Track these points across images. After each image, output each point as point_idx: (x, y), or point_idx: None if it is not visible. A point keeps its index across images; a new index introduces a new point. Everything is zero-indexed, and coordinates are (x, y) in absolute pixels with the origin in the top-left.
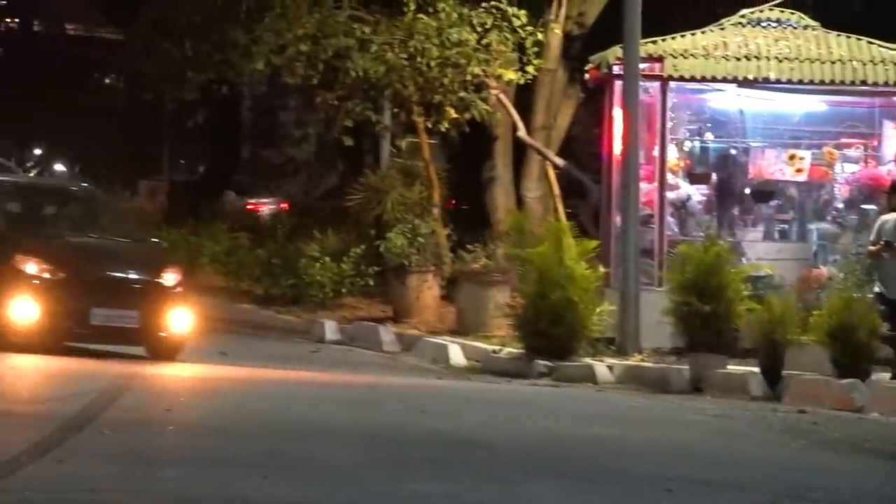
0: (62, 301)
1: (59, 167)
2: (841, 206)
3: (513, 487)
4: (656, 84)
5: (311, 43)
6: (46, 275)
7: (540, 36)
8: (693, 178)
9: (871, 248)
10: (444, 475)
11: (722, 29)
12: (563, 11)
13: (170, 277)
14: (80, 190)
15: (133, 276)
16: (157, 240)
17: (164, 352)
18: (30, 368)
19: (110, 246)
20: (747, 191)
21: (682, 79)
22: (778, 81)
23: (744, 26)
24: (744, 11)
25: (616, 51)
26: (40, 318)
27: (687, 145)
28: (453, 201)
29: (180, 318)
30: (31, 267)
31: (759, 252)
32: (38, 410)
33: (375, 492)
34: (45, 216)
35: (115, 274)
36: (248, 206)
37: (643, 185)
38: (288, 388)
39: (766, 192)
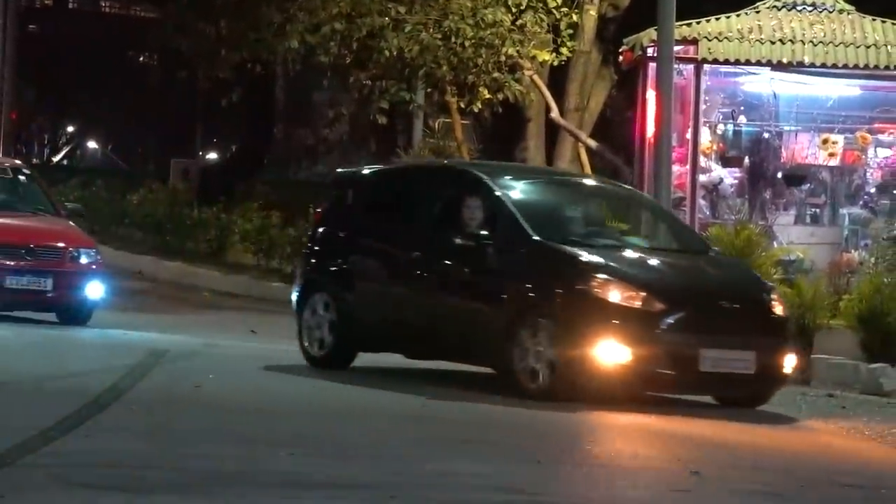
0: (664, 341)
1: (91, 144)
2: (873, 190)
3: (542, 469)
4: (690, 67)
5: (345, 22)
6: (637, 304)
7: (575, 17)
8: (726, 162)
9: None
10: (473, 455)
11: (757, 12)
12: None
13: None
14: (621, 190)
15: (740, 304)
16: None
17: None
18: (60, 344)
19: (701, 265)
20: (779, 174)
21: (716, 62)
22: (812, 65)
23: (779, 10)
24: None
25: (650, 33)
26: (631, 363)
27: (720, 128)
28: None
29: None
30: (615, 294)
31: (791, 236)
32: (67, 385)
33: (403, 471)
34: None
35: (726, 304)
36: None
37: (675, 168)
38: (307, 369)
39: (798, 175)
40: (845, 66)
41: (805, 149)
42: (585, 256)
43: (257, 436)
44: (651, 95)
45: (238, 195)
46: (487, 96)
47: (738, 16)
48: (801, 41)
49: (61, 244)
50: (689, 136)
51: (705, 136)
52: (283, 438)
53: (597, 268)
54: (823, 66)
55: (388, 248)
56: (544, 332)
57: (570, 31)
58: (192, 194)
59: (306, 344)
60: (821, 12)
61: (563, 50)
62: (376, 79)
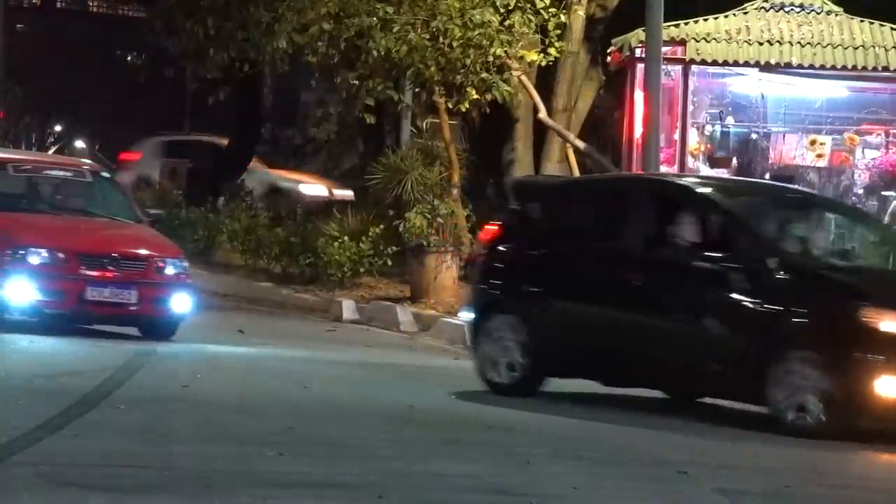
0: None
1: (79, 144)
2: (861, 191)
3: (529, 469)
4: (678, 68)
5: (333, 22)
6: None
7: (563, 18)
8: (713, 163)
9: None
10: (463, 456)
11: (745, 13)
12: None
13: None
14: (829, 201)
15: None
16: None
17: None
18: (46, 344)
19: None
20: (767, 175)
21: (704, 63)
22: (800, 66)
23: (767, 11)
24: None
25: (638, 34)
26: None
27: (708, 129)
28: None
29: None
30: (889, 323)
31: None
32: (55, 385)
33: (393, 471)
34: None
35: None
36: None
37: (663, 169)
38: (305, 366)
39: (786, 176)
40: (833, 68)
41: (793, 150)
42: (846, 280)
43: (245, 435)
44: (639, 96)
45: (225, 195)
46: (475, 96)
47: (726, 17)
48: (790, 42)
49: (146, 253)
50: (676, 136)
51: (693, 137)
52: (272, 438)
53: (860, 293)
54: (811, 67)
55: (590, 266)
56: (810, 365)
57: (559, 32)
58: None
59: (487, 370)
60: (809, 14)
61: (551, 50)
62: (364, 78)
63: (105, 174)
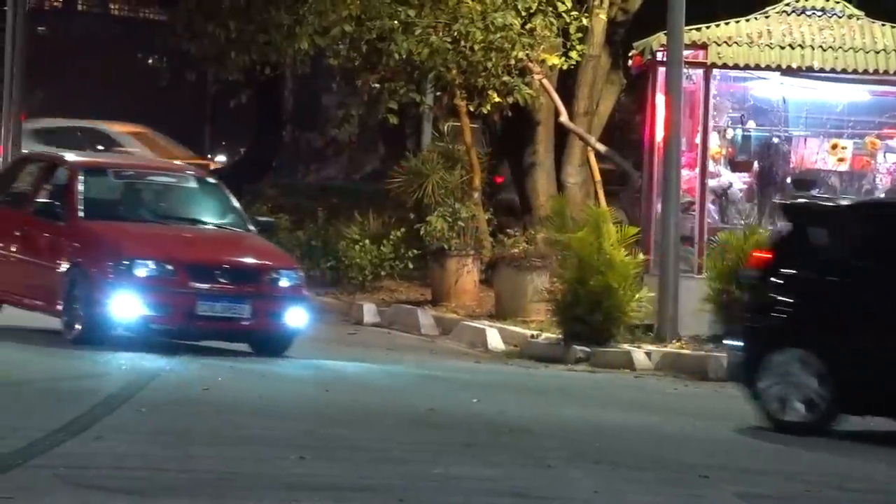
0: None
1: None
2: (882, 196)
3: (550, 472)
4: (700, 71)
5: (354, 24)
6: None
7: (584, 21)
8: (735, 166)
9: None
10: (481, 460)
11: (766, 17)
12: None
13: None
14: None
15: None
16: None
17: None
18: (69, 346)
19: None
20: (789, 180)
21: (725, 66)
22: (822, 70)
23: (788, 14)
24: (788, 0)
25: (660, 37)
26: None
27: (729, 133)
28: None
29: None
30: None
31: None
32: (77, 387)
33: (413, 475)
34: None
35: None
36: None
37: (684, 173)
38: (326, 370)
39: (807, 181)
40: (855, 72)
41: (814, 154)
42: None
43: (266, 439)
44: (660, 100)
45: (246, 198)
46: (497, 100)
47: (747, 20)
48: (811, 46)
49: (260, 264)
50: (698, 140)
51: (714, 141)
52: (292, 441)
53: None
54: (833, 71)
55: None
56: None
57: (580, 35)
58: None
59: (772, 407)
60: (830, 17)
61: (573, 54)
62: (385, 81)
63: (210, 179)
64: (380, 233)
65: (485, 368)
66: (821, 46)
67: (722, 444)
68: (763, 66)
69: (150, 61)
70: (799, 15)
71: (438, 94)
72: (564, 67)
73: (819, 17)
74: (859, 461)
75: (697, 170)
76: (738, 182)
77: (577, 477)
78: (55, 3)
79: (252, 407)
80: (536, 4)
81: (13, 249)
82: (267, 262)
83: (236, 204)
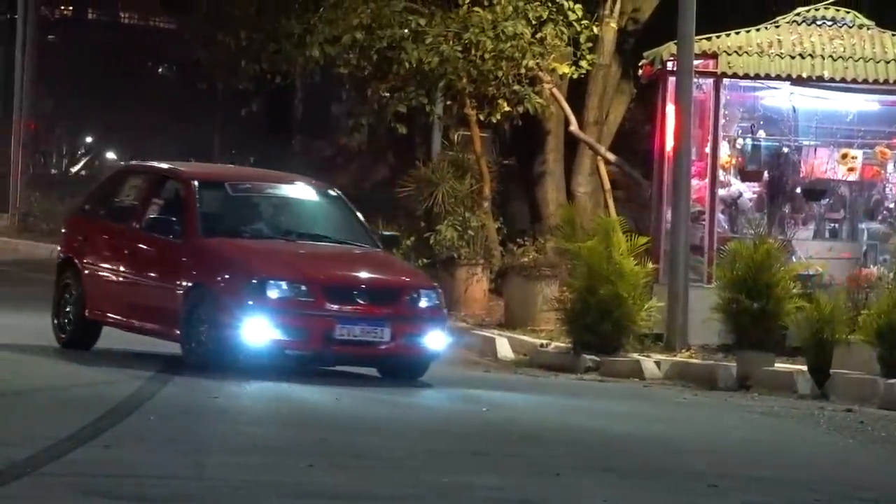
0: None
1: (110, 155)
2: (892, 205)
3: (559, 481)
4: (710, 81)
5: (365, 33)
6: None
7: (595, 30)
8: (745, 176)
9: None
10: (490, 468)
11: (777, 27)
12: (618, 6)
13: None
14: None
15: None
16: None
17: None
18: (78, 353)
19: None
20: (799, 189)
21: (735, 76)
22: (832, 80)
23: (798, 24)
24: (799, 9)
25: (670, 47)
26: None
27: (739, 142)
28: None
29: None
30: None
31: (809, 250)
32: (86, 395)
33: (422, 483)
34: None
35: None
36: None
37: (694, 182)
38: (335, 378)
39: (817, 190)
40: (865, 81)
41: (824, 163)
42: None
43: (276, 446)
44: (670, 109)
45: None
46: (507, 108)
47: (757, 30)
48: (821, 56)
49: (399, 284)
50: (708, 149)
51: (724, 151)
52: (303, 449)
53: None
54: (843, 80)
55: None
56: None
57: (590, 45)
58: None
59: None
60: (840, 27)
61: (583, 63)
62: (395, 90)
63: (331, 191)
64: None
65: (495, 377)
66: (831, 56)
67: (731, 453)
68: (773, 75)
69: (160, 70)
70: (809, 25)
71: (448, 102)
72: (575, 76)
73: (829, 26)
74: (870, 470)
75: (707, 179)
76: (748, 192)
77: (586, 485)
78: (65, 13)
79: (261, 414)
80: (547, 13)
81: (118, 268)
82: (406, 281)
83: (360, 217)
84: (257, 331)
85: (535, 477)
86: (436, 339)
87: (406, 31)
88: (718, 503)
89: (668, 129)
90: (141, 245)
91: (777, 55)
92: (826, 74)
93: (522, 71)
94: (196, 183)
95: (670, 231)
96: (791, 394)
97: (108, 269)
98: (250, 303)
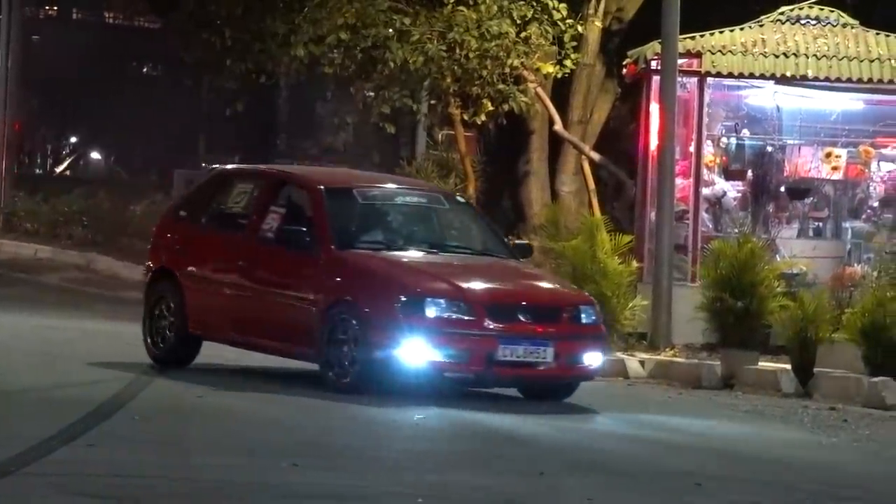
0: None
1: (94, 155)
2: (876, 204)
3: (543, 480)
4: (694, 80)
5: (349, 33)
6: None
7: (580, 29)
8: (729, 175)
9: None
10: (476, 467)
11: (761, 26)
12: (602, 6)
13: None
14: None
15: None
16: None
17: None
18: (63, 354)
19: None
20: (783, 188)
21: (719, 75)
22: (816, 79)
23: (783, 23)
24: (783, 8)
25: (654, 46)
26: None
27: (723, 142)
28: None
29: None
30: None
31: (794, 249)
32: (70, 395)
33: (406, 483)
34: None
35: None
36: None
37: (678, 181)
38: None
39: (801, 189)
40: (849, 80)
41: (808, 162)
42: None
43: (260, 446)
44: (654, 108)
45: None
46: (491, 108)
47: (741, 29)
48: (805, 55)
49: (559, 299)
50: (692, 149)
51: (708, 150)
52: (287, 449)
53: None
54: (827, 79)
55: None
56: None
57: (575, 44)
58: None
59: None
60: (825, 26)
61: (567, 62)
62: (380, 89)
63: (460, 198)
64: None
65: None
66: (815, 55)
67: (716, 452)
68: (757, 74)
69: (145, 69)
70: (793, 24)
71: (433, 102)
72: (559, 76)
73: (813, 25)
74: (856, 470)
75: (691, 178)
76: (732, 190)
77: (570, 484)
78: (50, 12)
79: (246, 414)
80: (531, 13)
81: (231, 280)
82: (566, 297)
83: (494, 226)
84: (415, 352)
85: (520, 476)
86: (595, 358)
87: (391, 30)
88: (704, 502)
89: (652, 128)
90: (260, 256)
91: (761, 54)
92: (810, 73)
93: (507, 70)
94: (323, 189)
95: (654, 230)
96: (775, 392)
97: (217, 281)
98: (407, 322)
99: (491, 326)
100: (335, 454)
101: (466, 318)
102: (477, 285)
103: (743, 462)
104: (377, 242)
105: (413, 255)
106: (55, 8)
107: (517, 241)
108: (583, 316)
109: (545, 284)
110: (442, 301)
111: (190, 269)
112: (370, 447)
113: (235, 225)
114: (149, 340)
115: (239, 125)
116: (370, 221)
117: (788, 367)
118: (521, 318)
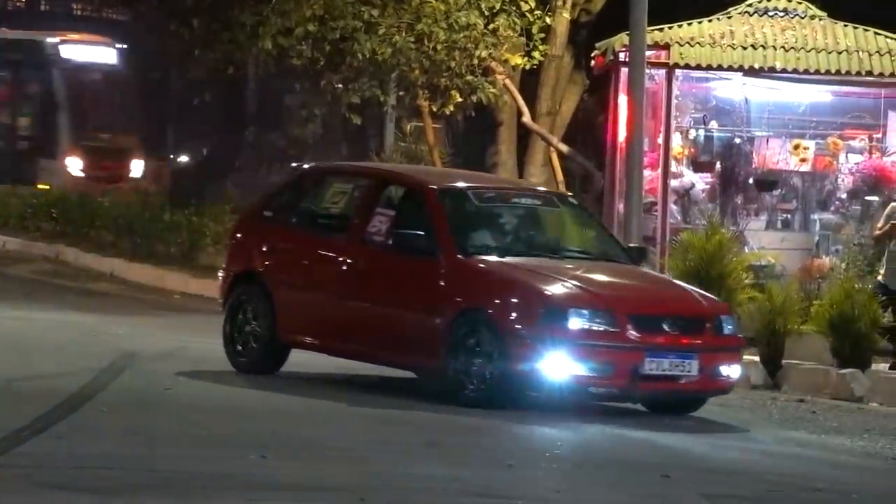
0: None
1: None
2: (844, 196)
3: (511, 472)
4: (662, 72)
5: (318, 24)
6: None
7: (548, 21)
8: (697, 167)
9: (878, 231)
10: (446, 459)
11: (729, 17)
12: None
13: None
14: None
15: None
16: None
17: None
18: (31, 345)
19: None
20: (751, 180)
21: (687, 67)
22: (783, 71)
23: (751, 15)
24: (751, 0)
25: (622, 38)
26: None
27: (692, 133)
28: None
29: None
30: None
31: (762, 241)
32: (39, 387)
33: (376, 474)
34: None
35: None
36: None
37: (647, 173)
38: (288, 369)
39: (769, 181)
40: (817, 72)
41: (776, 154)
42: None
43: (228, 438)
44: (623, 100)
45: (209, 198)
46: (460, 99)
47: (710, 21)
48: (773, 47)
49: (702, 310)
50: (660, 140)
51: (677, 141)
52: (254, 440)
53: None
54: (795, 71)
55: None
56: None
57: (543, 36)
58: (164, 196)
59: None
60: (793, 18)
61: (536, 54)
62: (348, 81)
63: (573, 200)
64: None
65: None
66: (783, 47)
67: (685, 445)
68: (725, 66)
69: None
70: (761, 16)
71: (401, 93)
72: (527, 67)
73: (781, 17)
74: (826, 463)
75: (660, 170)
76: (701, 182)
77: (538, 476)
78: (18, 4)
79: (214, 406)
80: (500, 4)
81: (332, 287)
82: (707, 306)
83: (608, 228)
84: (557, 365)
85: (488, 468)
86: (734, 371)
87: (359, 22)
88: (672, 494)
89: (620, 120)
90: (367, 261)
91: (729, 46)
92: (778, 65)
93: (475, 62)
94: (437, 190)
95: (623, 222)
96: (743, 384)
97: (314, 286)
98: (548, 334)
99: (636, 338)
100: (301, 445)
101: (611, 329)
102: (618, 294)
103: (709, 454)
104: (499, 248)
105: (538, 261)
106: (22, 0)
107: (632, 244)
108: (724, 326)
109: (684, 292)
110: (585, 312)
111: (279, 272)
112: (334, 437)
113: (335, 227)
114: (231, 348)
115: (207, 117)
116: (488, 225)
117: (757, 358)
118: (667, 328)
